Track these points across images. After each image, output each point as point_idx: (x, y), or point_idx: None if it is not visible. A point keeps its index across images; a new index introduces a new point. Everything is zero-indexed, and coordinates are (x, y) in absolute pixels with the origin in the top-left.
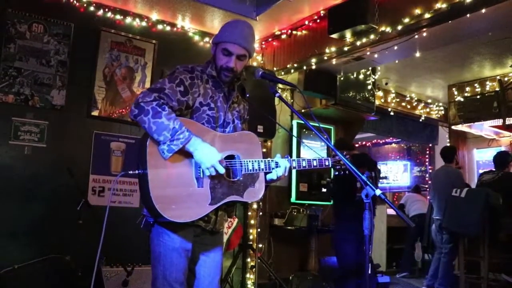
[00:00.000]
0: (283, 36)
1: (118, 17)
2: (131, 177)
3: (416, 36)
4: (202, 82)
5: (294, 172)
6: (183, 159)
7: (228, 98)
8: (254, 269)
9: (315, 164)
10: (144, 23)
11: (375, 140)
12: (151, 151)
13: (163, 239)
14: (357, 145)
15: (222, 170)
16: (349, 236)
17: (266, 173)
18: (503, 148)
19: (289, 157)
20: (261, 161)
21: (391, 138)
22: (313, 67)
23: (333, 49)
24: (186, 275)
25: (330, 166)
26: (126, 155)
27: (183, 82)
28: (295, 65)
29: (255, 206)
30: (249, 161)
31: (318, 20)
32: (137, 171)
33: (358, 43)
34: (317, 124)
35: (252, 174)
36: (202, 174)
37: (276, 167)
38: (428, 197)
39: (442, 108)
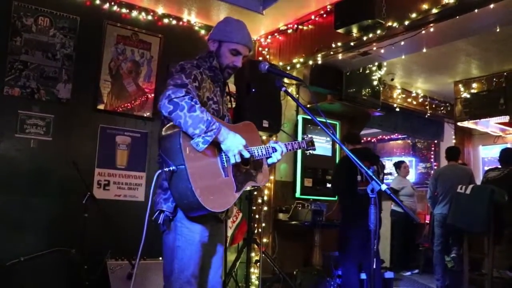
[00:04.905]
0: (289, 31)
1: (124, 10)
2: (129, 172)
3: (423, 32)
4: (207, 77)
5: (298, 167)
6: (210, 151)
7: (222, 92)
8: (258, 263)
9: (296, 146)
10: (150, 17)
11: (380, 136)
12: (185, 146)
13: (182, 233)
14: (362, 141)
15: (247, 154)
16: (352, 232)
17: (267, 158)
18: (509, 145)
19: (279, 142)
20: (263, 147)
21: (396, 134)
22: (319, 62)
23: (339, 44)
24: (200, 267)
25: (305, 147)
26: (132, 148)
27: (197, 78)
28: (301, 60)
29: (259, 200)
30: (256, 148)
31: (324, 15)
32: (172, 168)
33: (365, 38)
34: (323, 119)
35: (258, 160)
36: (226, 163)
37: (274, 151)
38: (428, 195)
39: (448, 104)
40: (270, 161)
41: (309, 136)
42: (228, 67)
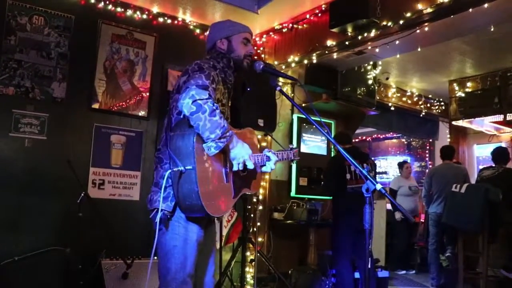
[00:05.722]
0: (284, 30)
1: (118, 9)
2: (129, 172)
3: (418, 31)
4: (220, 79)
5: (294, 166)
6: (217, 156)
7: (229, 94)
8: (253, 262)
9: (285, 156)
10: (145, 16)
11: (375, 135)
12: (197, 148)
13: (180, 233)
14: (357, 140)
15: (251, 165)
16: (343, 229)
17: (261, 166)
18: (503, 144)
19: (273, 151)
20: (259, 155)
21: (391, 133)
22: (314, 61)
23: (334, 43)
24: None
25: (293, 158)
26: (127, 148)
27: (214, 80)
28: (296, 59)
29: (254, 199)
30: (253, 156)
31: (319, 14)
32: (182, 168)
33: (360, 37)
34: (318, 119)
35: (254, 167)
36: (229, 169)
37: (268, 160)
38: (423, 194)
39: (442, 103)
40: (264, 169)
41: (295, 147)
42: (246, 56)
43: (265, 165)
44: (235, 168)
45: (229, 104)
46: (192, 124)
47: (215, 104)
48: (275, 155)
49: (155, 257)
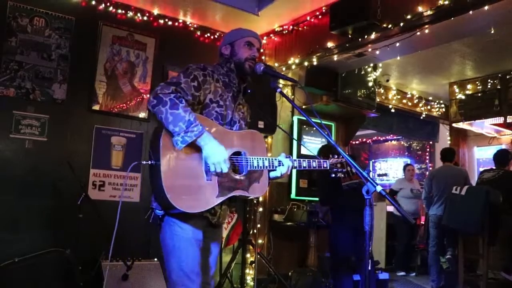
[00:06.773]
0: (285, 32)
1: (119, 11)
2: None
3: (418, 33)
4: (213, 81)
5: (294, 170)
6: (194, 153)
7: (235, 98)
8: (253, 264)
9: (314, 165)
10: (145, 18)
11: (375, 137)
12: (164, 143)
13: (175, 231)
14: (357, 142)
15: (225, 169)
16: (342, 229)
17: (270, 171)
18: (503, 146)
19: (291, 157)
20: (265, 159)
21: (391, 135)
22: (315, 63)
23: (334, 45)
24: (201, 266)
25: (328, 168)
26: (127, 149)
27: (197, 78)
28: (297, 61)
29: (254, 201)
30: (254, 158)
31: (320, 16)
32: (150, 162)
33: (360, 39)
34: (318, 121)
35: (256, 170)
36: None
37: (280, 165)
38: (423, 196)
39: (443, 105)
40: (272, 174)
41: (337, 158)
42: (247, 59)
43: (275, 170)
44: (211, 170)
45: (236, 107)
46: (157, 118)
47: (180, 98)
48: (291, 162)
49: (155, 259)
